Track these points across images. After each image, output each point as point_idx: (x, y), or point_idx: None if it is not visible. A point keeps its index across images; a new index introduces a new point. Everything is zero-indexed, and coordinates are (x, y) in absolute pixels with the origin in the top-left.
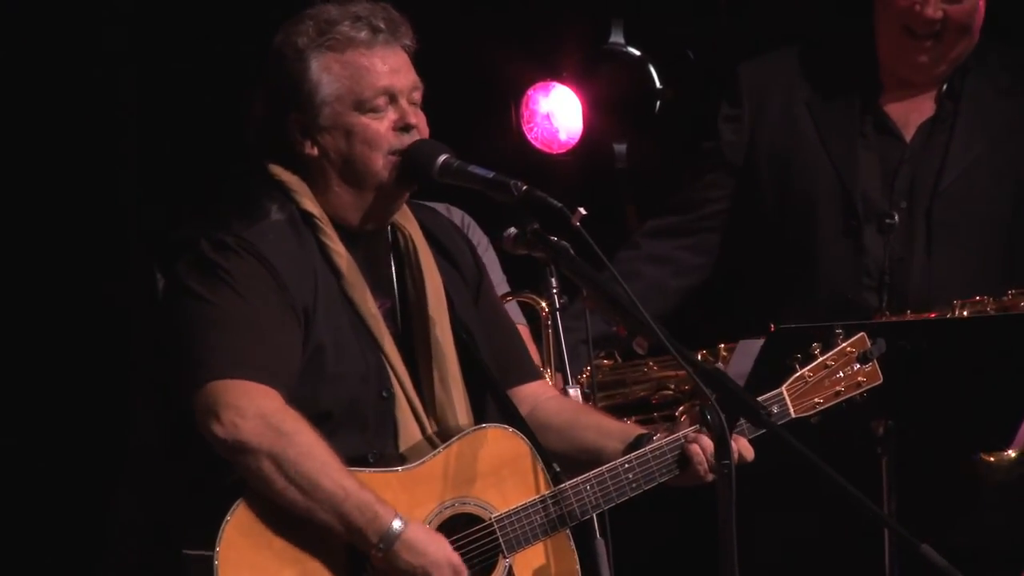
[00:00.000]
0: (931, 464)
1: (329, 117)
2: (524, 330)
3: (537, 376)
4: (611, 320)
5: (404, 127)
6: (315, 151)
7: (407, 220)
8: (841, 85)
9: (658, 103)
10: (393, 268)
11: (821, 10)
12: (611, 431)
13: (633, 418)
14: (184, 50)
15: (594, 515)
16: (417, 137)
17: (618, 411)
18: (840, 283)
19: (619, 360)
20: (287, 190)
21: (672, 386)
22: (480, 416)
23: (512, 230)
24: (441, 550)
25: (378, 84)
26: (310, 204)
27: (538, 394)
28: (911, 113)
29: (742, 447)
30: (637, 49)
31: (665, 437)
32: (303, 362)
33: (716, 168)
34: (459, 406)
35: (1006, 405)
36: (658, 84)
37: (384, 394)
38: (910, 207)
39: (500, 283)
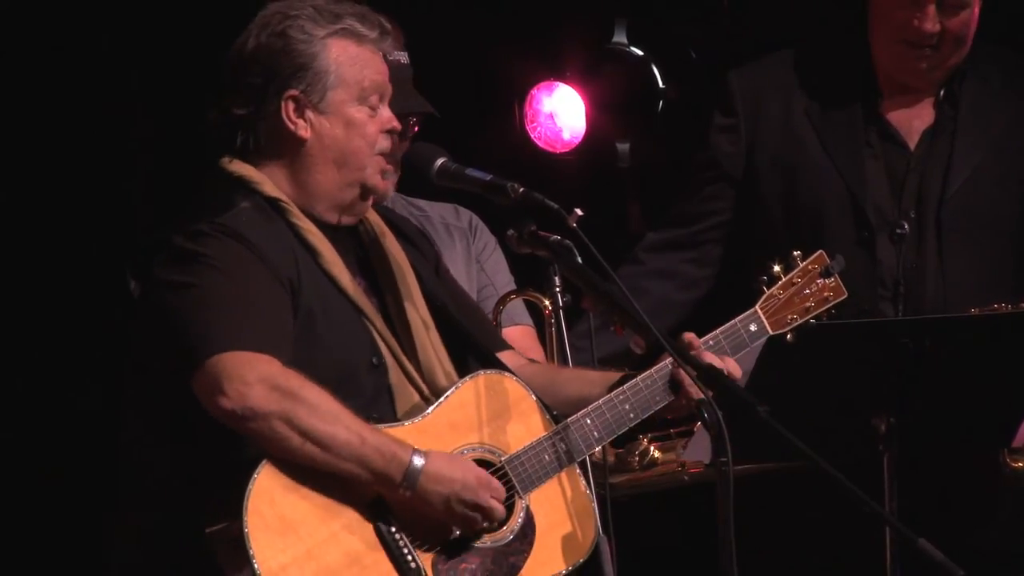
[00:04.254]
0: (933, 462)
1: (332, 103)
2: (530, 331)
3: (508, 346)
4: (609, 320)
5: (390, 129)
6: (308, 132)
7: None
8: (840, 92)
9: (661, 103)
10: (358, 251)
11: (815, 13)
12: (593, 379)
13: (648, 434)
14: (190, 51)
15: (596, 511)
16: (397, 143)
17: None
18: (855, 294)
19: None
20: (247, 182)
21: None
22: None
23: (511, 231)
24: (468, 471)
25: (380, 82)
26: (273, 191)
27: (512, 362)
28: (913, 120)
29: (730, 366)
30: (640, 49)
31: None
32: (295, 330)
33: (715, 180)
34: (448, 369)
35: (1008, 403)
36: (661, 84)
37: (375, 361)
38: (919, 215)
39: (508, 284)
